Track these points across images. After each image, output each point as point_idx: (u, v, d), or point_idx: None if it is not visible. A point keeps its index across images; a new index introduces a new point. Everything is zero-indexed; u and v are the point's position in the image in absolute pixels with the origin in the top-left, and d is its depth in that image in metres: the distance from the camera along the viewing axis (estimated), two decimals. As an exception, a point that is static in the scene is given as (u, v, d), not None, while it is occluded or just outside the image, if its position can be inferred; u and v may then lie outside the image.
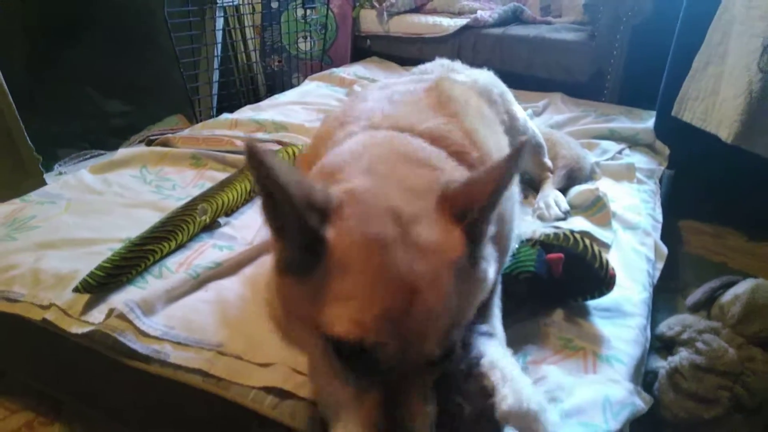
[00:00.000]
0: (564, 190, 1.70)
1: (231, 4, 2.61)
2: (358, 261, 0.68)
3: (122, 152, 1.82)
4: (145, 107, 2.83)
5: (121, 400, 1.21)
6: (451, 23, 2.94)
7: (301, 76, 3.23)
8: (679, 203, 2.30)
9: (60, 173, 2.06)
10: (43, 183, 1.95)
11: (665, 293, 1.76)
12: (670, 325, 1.37)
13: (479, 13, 2.93)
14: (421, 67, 1.79)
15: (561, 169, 1.76)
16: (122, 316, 1.09)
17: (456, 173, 0.89)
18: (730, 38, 1.92)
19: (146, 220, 1.41)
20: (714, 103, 1.98)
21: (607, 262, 1.17)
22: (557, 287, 1.17)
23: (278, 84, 3.24)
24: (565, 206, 1.59)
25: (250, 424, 0.98)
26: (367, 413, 0.69)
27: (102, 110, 2.90)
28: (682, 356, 1.26)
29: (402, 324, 0.67)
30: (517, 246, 1.21)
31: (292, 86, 3.17)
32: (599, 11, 2.59)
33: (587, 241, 1.20)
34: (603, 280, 1.16)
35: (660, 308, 1.74)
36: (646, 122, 2.30)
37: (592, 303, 1.21)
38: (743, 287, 1.28)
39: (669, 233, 1.88)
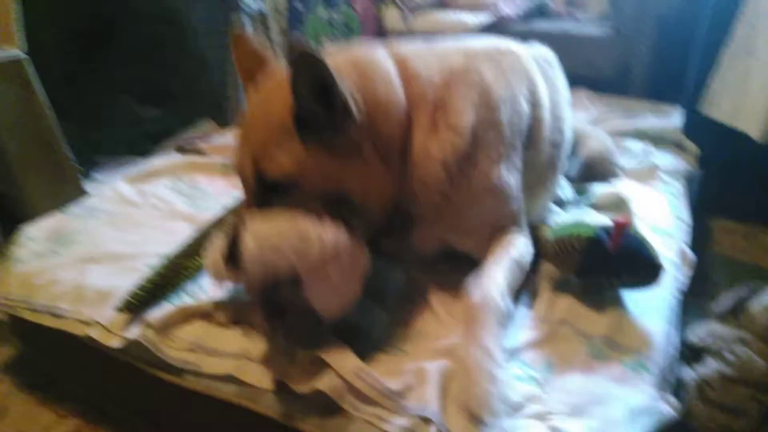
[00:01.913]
0: (584, 183, 1.72)
1: (258, 11, 2.65)
2: None
3: (156, 162, 1.89)
4: (178, 112, 2.90)
5: (161, 414, 1.28)
6: (475, 20, 2.92)
7: (327, 76, 3.26)
8: (709, 202, 2.27)
9: (99, 181, 2.14)
10: (83, 192, 2.03)
11: (695, 297, 1.76)
12: (698, 335, 1.36)
13: (503, 9, 2.91)
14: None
15: (581, 158, 1.78)
16: (155, 330, 1.15)
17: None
18: (758, 32, 1.89)
19: (181, 232, 1.47)
20: (743, 99, 1.95)
21: (658, 254, 1.18)
22: (609, 263, 1.17)
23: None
24: (567, 194, 1.64)
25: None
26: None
27: (136, 116, 2.98)
28: (711, 367, 1.26)
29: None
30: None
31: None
32: (624, 4, 2.56)
33: (643, 235, 1.22)
34: (654, 268, 1.17)
35: (690, 313, 1.73)
36: (673, 119, 2.27)
37: (621, 308, 1.21)
38: (774, 295, 1.27)
39: (699, 233, 1.87)
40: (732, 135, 1.98)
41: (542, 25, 2.86)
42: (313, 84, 0.98)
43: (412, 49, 1.27)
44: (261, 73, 1.17)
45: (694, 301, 1.75)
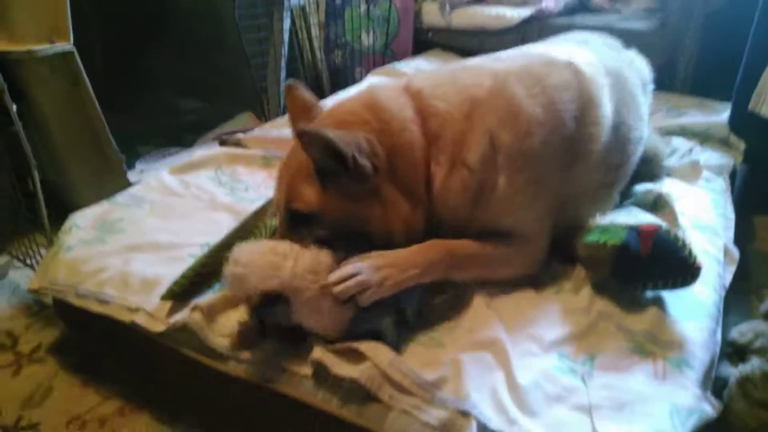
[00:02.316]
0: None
1: (298, 5, 2.67)
2: None
3: (198, 154, 1.93)
4: (217, 105, 2.96)
5: (202, 399, 1.31)
6: (514, 14, 2.89)
7: (364, 70, 3.27)
8: (753, 199, 2.21)
9: (141, 171, 2.20)
10: (127, 182, 2.09)
11: (738, 294, 1.72)
12: (741, 332, 1.34)
13: (544, 2, 2.87)
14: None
15: None
16: (203, 314, 1.17)
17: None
18: (813, 28, 1.83)
19: (222, 223, 1.51)
20: (793, 96, 1.89)
21: (695, 253, 1.14)
22: (642, 266, 1.15)
23: (341, 79, 3.30)
24: None
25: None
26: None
27: (177, 108, 3.06)
28: (753, 364, 1.23)
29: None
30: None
31: (354, 81, 3.23)
32: (671, -2, 2.51)
33: (677, 232, 1.18)
34: (690, 268, 1.13)
35: (732, 310, 1.69)
36: (719, 115, 2.22)
37: (664, 304, 1.19)
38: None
39: (742, 230, 1.82)
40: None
41: (585, 19, 2.81)
42: (322, 150, 1.07)
43: (433, 80, 1.27)
44: (307, 120, 1.26)
45: (737, 297, 1.71)
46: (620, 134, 1.37)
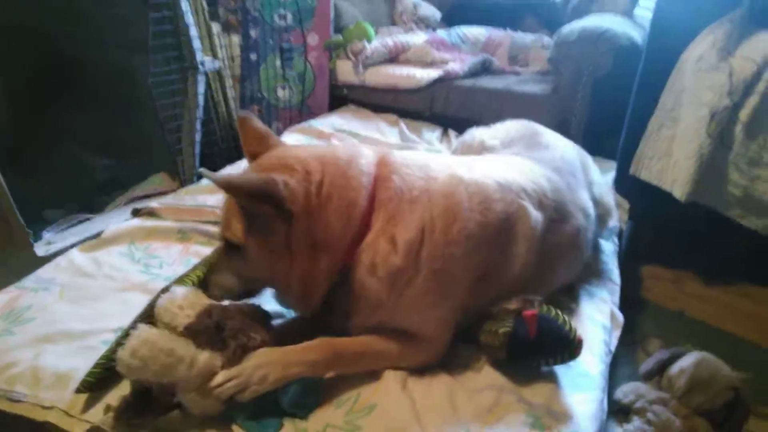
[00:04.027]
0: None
1: (213, 68, 2.71)
2: None
3: (111, 228, 1.91)
4: (131, 164, 2.92)
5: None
6: (424, 75, 3.06)
7: (280, 124, 3.34)
8: (639, 250, 2.44)
9: (49, 242, 2.14)
10: (33, 255, 2.03)
11: (625, 345, 1.89)
12: (625, 392, 1.49)
13: (450, 65, 3.06)
14: (506, 124, 1.94)
15: None
16: (115, 413, 1.17)
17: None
18: (681, 105, 2.07)
19: (136, 303, 1.49)
20: (668, 163, 2.12)
21: (575, 328, 1.27)
22: (532, 347, 1.26)
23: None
24: None
25: None
26: None
27: (88, 167, 2.98)
28: (635, 425, 1.38)
29: None
30: None
31: (271, 134, 3.27)
32: (562, 66, 2.74)
33: (558, 310, 1.30)
34: (571, 344, 1.25)
35: (620, 361, 1.86)
36: (607, 174, 2.43)
37: (557, 377, 1.31)
38: (688, 361, 1.41)
39: (630, 280, 2.00)
40: (660, 191, 2.15)
41: (487, 81, 3.02)
42: (241, 196, 1.17)
43: (407, 160, 1.34)
44: (262, 154, 1.32)
45: (625, 348, 1.88)
46: (548, 258, 1.45)
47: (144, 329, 1.13)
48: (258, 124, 1.37)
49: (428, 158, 1.41)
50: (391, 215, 1.25)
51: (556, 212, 1.49)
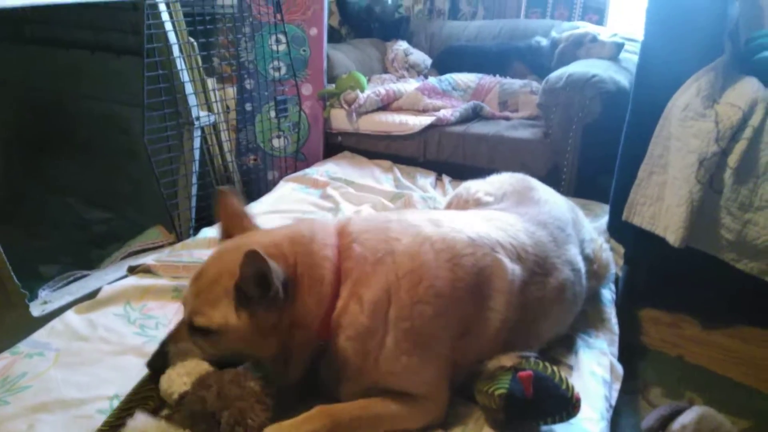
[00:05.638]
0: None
1: (208, 123, 2.75)
2: None
3: (106, 289, 1.90)
4: (127, 217, 2.93)
5: None
6: (416, 122, 3.11)
7: (276, 172, 3.37)
8: (636, 294, 2.43)
9: (45, 302, 2.13)
10: (29, 316, 2.02)
11: (626, 394, 1.87)
12: (627, 449, 1.47)
13: (442, 112, 3.11)
14: (501, 177, 1.95)
15: None
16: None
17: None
18: (670, 152, 2.09)
19: (132, 368, 1.49)
20: (661, 208, 2.14)
21: (572, 386, 1.25)
22: (530, 408, 1.25)
23: (254, 180, 3.37)
24: None
25: None
26: None
27: (83, 220, 2.99)
28: (639, 482, 1.36)
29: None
30: None
31: (267, 183, 3.31)
32: (551, 112, 2.78)
33: (554, 367, 1.29)
34: (569, 402, 1.23)
35: (622, 411, 1.84)
36: (600, 219, 2.45)
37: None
38: (690, 416, 1.40)
39: (628, 325, 1.99)
40: (654, 235, 2.16)
41: (479, 127, 3.06)
42: (255, 274, 1.14)
43: (365, 225, 1.37)
44: (236, 232, 1.34)
45: (626, 397, 1.87)
46: (531, 312, 1.43)
47: (141, 420, 1.14)
48: (236, 202, 1.40)
49: (389, 220, 1.41)
50: (357, 279, 1.26)
51: (538, 266, 1.47)
